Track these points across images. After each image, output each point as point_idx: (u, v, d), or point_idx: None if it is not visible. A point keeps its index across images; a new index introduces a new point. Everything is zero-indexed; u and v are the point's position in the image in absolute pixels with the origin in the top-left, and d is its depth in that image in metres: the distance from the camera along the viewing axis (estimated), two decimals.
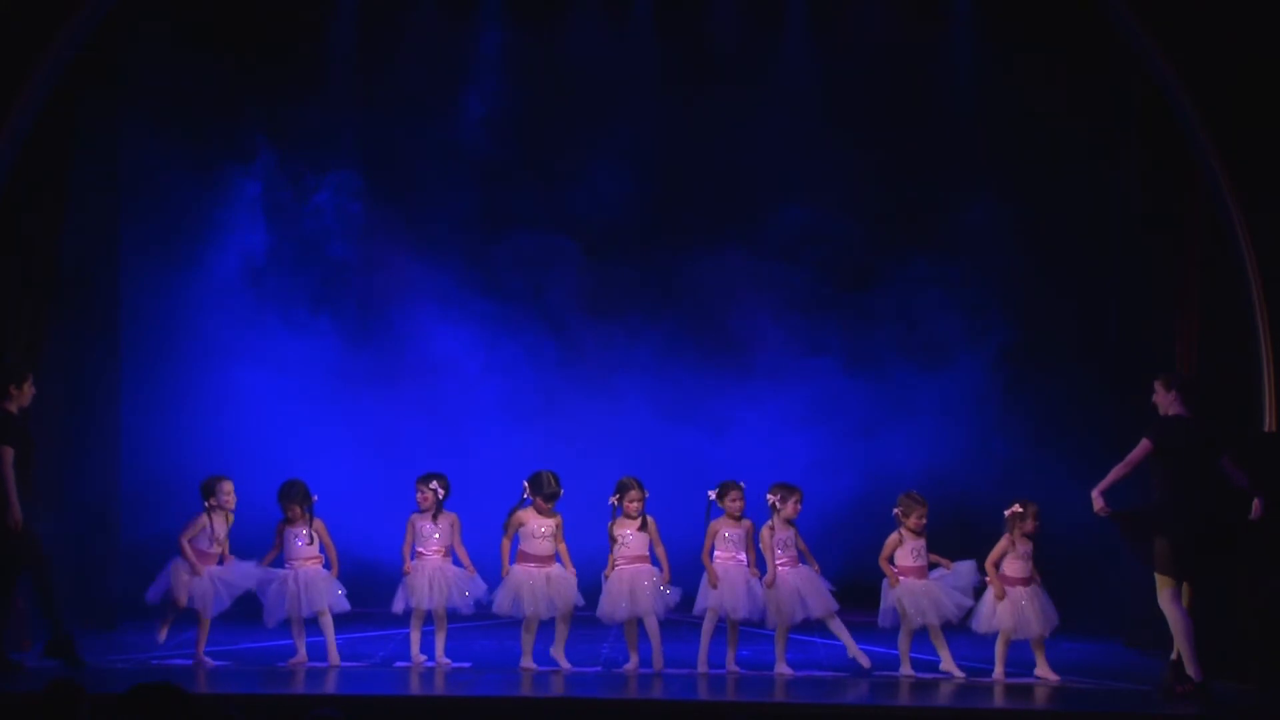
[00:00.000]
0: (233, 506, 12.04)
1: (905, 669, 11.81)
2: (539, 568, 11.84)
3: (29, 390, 11.95)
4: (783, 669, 11.80)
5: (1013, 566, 11.76)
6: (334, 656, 11.93)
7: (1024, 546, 11.77)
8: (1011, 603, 11.68)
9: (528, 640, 11.87)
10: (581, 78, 15.25)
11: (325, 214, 15.32)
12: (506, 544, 11.93)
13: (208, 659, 11.91)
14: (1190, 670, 11.15)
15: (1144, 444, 11.26)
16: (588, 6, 15.42)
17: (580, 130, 15.30)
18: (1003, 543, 11.81)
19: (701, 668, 11.79)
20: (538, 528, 11.87)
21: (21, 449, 11.78)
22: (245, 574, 12.02)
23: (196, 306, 14.98)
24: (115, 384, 14.30)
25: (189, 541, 11.92)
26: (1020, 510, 11.79)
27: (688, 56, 15.29)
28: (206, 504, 12.00)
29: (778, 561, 11.87)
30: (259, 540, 12.28)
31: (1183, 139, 12.43)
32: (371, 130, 15.39)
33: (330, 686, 11.26)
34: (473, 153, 15.34)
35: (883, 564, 11.93)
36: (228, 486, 12.04)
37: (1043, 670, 11.72)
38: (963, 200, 15.02)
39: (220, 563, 12.02)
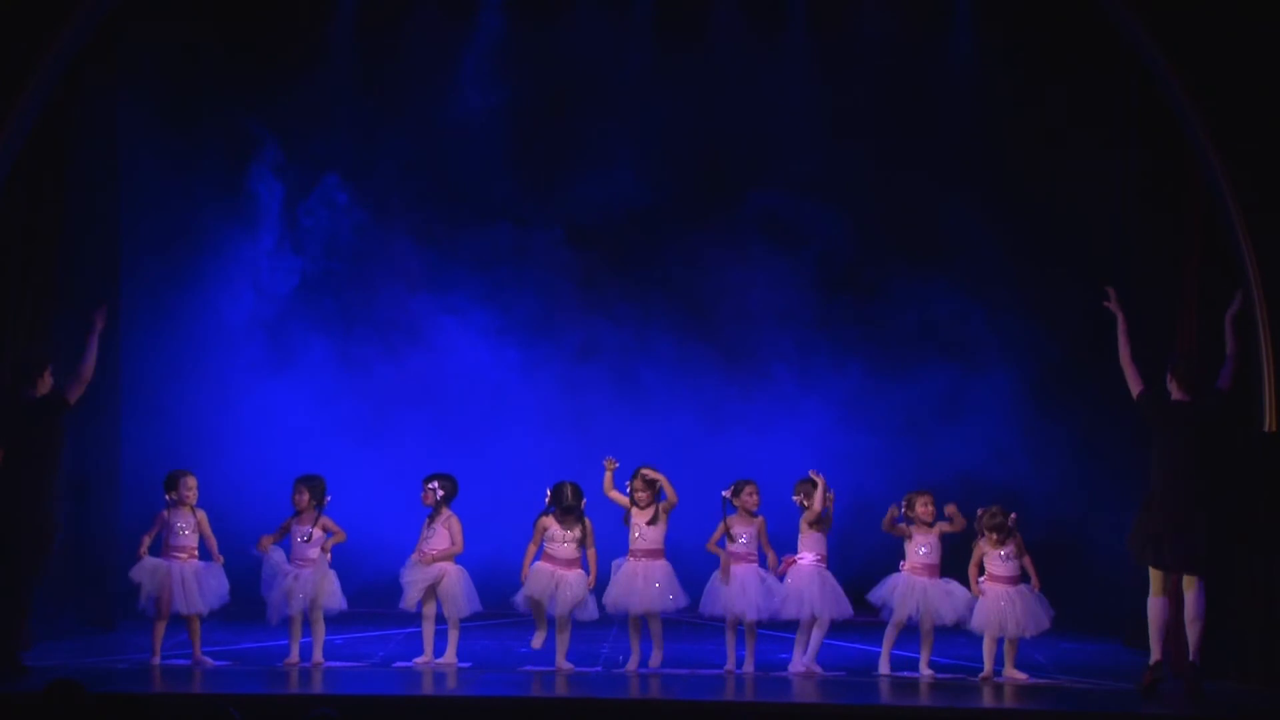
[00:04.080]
0: (194, 501, 11.93)
1: (924, 669, 11.83)
2: (554, 569, 11.83)
3: (48, 380, 11.95)
4: (814, 667, 11.80)
5: (995, 567, 11.78)
6: (318, 655, 11.90)
7: (1000, 548, 11.76)
8: (992, 601, 11.69)
9: (539, 618, 11.83)
10: (585, 75, 15.22)
11: (327, 212, 15.32)
12: (532, 549, 11.88)
13: (207, 659, 11.89)
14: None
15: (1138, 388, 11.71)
16: (589, 4, 15.40)
17: (588, 129, 15.26)
18: (979, 545, 11.84)
19: (747, 667, 11.76)
20: (560, 535, 11.86)
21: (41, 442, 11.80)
22: (221, 578, 11.93)
23: (198, 306, 14.97)
24: (115, 384, 14.27)
25: (148, 538, 11.87)
26: (979, 513, 11.85)
27: (692, 53, 15.27)
28: (167, 498, 11.95)
29: (802, 558, 11.83)
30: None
31: (1183, 139, 12.43)
32: (373, 129, 15.39)
33: (330, 686, 11.26)
34: (477, 152, 15.33)
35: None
36: (190, 481, 11.95)
37: (1009, 670, 11.72)
38: (962, 201, 15.02)
39: (211, 560, 11.96)
